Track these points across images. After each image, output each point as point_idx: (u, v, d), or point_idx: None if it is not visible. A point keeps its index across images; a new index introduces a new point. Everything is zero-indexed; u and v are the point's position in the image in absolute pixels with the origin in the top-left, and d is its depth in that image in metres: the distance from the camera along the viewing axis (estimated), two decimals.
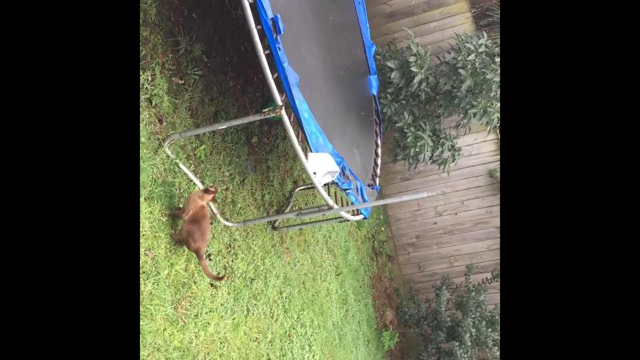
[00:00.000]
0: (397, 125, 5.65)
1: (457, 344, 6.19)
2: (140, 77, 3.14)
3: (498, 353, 6.36)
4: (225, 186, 3.91)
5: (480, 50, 5.20)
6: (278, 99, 3.07)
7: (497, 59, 5.09)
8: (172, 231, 3.20)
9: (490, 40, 5.40)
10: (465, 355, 6.17)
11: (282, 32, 2.96)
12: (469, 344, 6.19)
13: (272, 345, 4.13)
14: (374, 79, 5.55)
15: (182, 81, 3.56)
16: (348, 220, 4.00)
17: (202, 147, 3.66)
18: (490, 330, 6.32)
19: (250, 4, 2.87)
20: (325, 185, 3.66)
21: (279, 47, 2.98)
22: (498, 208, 7.40)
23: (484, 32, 5.61)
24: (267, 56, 2.98)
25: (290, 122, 3.20)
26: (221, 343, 3.52)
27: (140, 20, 3.22)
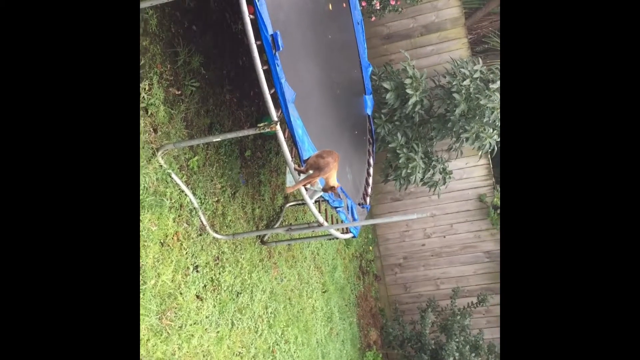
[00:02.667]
0: (390, 145, 5.68)
1: None
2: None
3: None
4: (216, 198, 3.91)
5: (475, 76, 5.27)
6: (274, 114, 3.10)
7: (492, 85, 5.16)
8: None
9: (485, 67, 5.47)
10: None
11: (281, 49, 2.99)
12: None
13: None
14: (369, 99, 5.59)
15: (179, 92, 3.58)
16: (337, 238, 4.01)
17: (196, 158, 3.67)
18: (473, 355, 6.31)
19: (251, 20, 2.90)
20: (316, 202, 3.68)
21: (277, 64, 3.01)
22: (486, 232, 7.44)
23: (479, 58, 5.68)
24: (265, 72, 3.01)
25: (285, 137, 3.22)
26: (204, 356, 3.50)
27: (141, 30, 3.25)
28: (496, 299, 7.29)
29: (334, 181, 3.43)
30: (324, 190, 3.49)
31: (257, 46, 2.96)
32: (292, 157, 3.35)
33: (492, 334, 7.31)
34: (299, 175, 3.38)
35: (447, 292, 7.45)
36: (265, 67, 3.03)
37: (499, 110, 5.08)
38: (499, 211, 7.18)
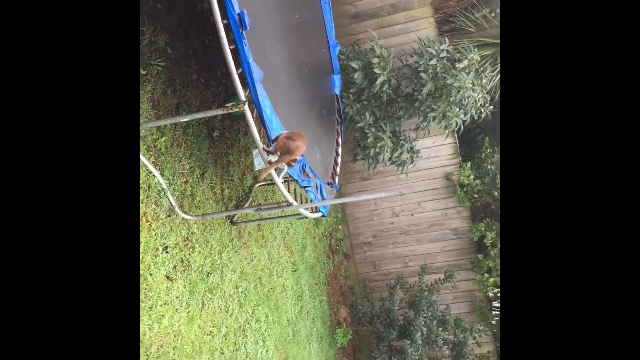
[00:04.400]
0: (358, 125, 5.72)
1: (408, 342, 6.30)
2: None
3: (447, 352, 6.50)
4: (184, 179, 3.90)
5: (441, 55, 5.32)
6: (242, 94, 3.09)
7: (458, 65, 5.22)
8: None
9: (451, 46, 5.52)
10: (416, 354, 6.28)
11: (248, 28, 2.97)
12: (420, 342, 6.31)
13: (226, 339, 4.14)
14: (337, 79, 5.60)
15: (145, 72, 3.53)
16: (306, 218, 4.04)
17: (163, 139, 3.64)
18: (440, 329, 6.46)
19: None
20: (284, 181, 3.70)
21: (244, 43, 3.00)
22: (453, 210, 7.57)
23: (446, 37, 5.73)
24: (232, 51, 3.00)
25: (253, 117, 3.22)
26: (175, 336, 3.52)
27: None
28: (462, 274, 7.46)
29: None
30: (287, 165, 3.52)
31: (224, 25, 2.93)
32: (260, 137, 3.36)
33: (458, 309, 7.49)
34: (268, 155, 3.40)
35: (415, 269, 7.58)
36: (232, 47, 3.01)
37: (465, 89, 5.15)
38: (465, 189, 7.31)
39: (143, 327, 3.20)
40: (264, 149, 3.37)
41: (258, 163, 3.58)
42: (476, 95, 5.36)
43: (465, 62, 5.28)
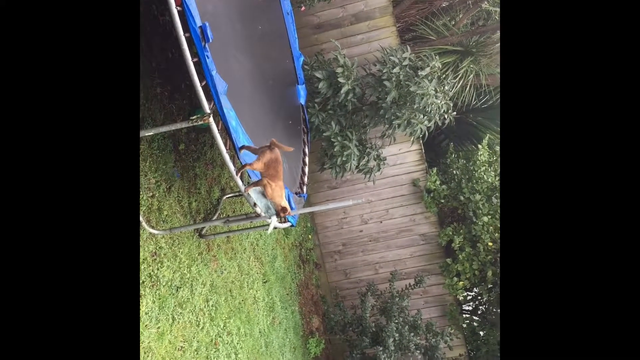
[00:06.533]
0: (324, 134, 5.75)
1: (381, 348, 6.32)
2: None
3: (420, 357, 6.54)
4: (150, 193, 3.86)
5: (404, 63, 5.40)
6: (206, 106, 3.09)
7: (421, 72, 5.30)
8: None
9: (413, 54, 5.61)
10: None
11: (210, 40, 2.98)
12: (392, 348, 6.34)
13: (197, 353, 4.10)
14: (302, 89, 5.63)
15: None
16: (275, 228, 4.04)
17: None
18: (412, 334, 6.50)
19: (179, 11, 2.88)
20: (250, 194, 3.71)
21: (207, 55, 3.00)
22: (421, 216, 7.65)
23: (407, 46, 5.82)
24: (195, 64, 3.00)
25: (218, 129, 3.23)
26: (145, 353, 3.47)
27: None
28: (432, 279, 7.53)
29: (284, 200, 3.72)
30: (277, 212, 3.76)
31: (186, 38, 2.94)
32: (226, 149, 3.36)
33: (429, 314, 7.55)
34: (240, 152, 3.53)
35: (385, 275, 7.61)
36: (195, 59, 3.01)
37: (428, 96, 5.23)
38: (432, 194, 7.40)
39: None
40: (246, 147, 3.49)
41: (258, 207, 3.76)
42: (439, 102, 5.45)
43: (428, 69, 5.37)
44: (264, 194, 3.70)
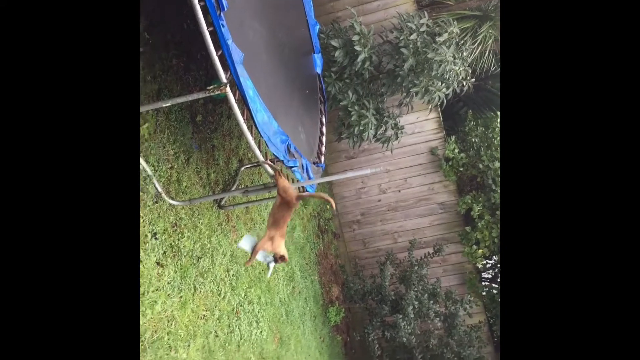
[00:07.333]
0: (341, 103, 5.71)
1: (400, 316, 6.38)
2: None
3: (439, 324, 6.58)
4: (169, 165, 3.88)
5: (421, 29, 5.31)
6: (222, 76, 3.08)
7: (438, 39, 5.21)
8: None
9: (431, 20, 5.51)
10: (409, 327, 6.36)
11: (225, 9, 2.95)
12: (412, 316, 6.39)
13: (219, 322, 4.16)
14: (318, 58, 5.58)
15: None
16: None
17: (146, 125, 3.62)
18: (432, 302, 6.54)
19: None
20: (271, 161, 3.71)
21: (222, 24, 2.97)
22: (439, 185, 7.62)
23: (425, 12, 5.72)
24: (210, 33, 2.97)
25: (235, 99, 3.21)
26: (169, 321, 3.53)
27: None
28: (451, 247, 7.53)
29: (283, 249, 3.81)
30: (275, 259, 3.82)
31: (201, 7, 2.91)
32: (244, 119, 3.35)
33: (448, 282, 7.58)
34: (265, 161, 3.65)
35: (404, 244, 7.63)
36: (210, 29, 2.99)
37: (446, 62, 5.15)
38: (450, 163, 7.35)
39: None
40: (264, 162, 3.61)
41: (243, 244, 3.77)
42: (457, 68, 5.37)
43: (445, 35, 5.27)
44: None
